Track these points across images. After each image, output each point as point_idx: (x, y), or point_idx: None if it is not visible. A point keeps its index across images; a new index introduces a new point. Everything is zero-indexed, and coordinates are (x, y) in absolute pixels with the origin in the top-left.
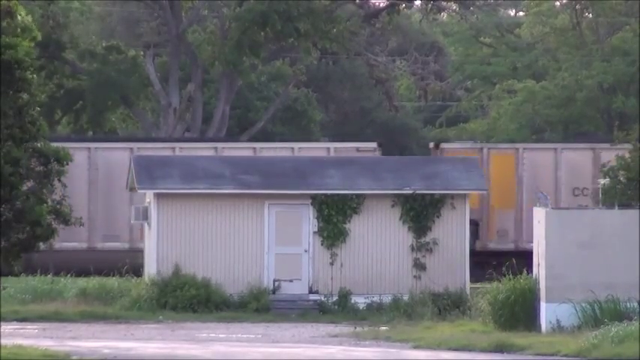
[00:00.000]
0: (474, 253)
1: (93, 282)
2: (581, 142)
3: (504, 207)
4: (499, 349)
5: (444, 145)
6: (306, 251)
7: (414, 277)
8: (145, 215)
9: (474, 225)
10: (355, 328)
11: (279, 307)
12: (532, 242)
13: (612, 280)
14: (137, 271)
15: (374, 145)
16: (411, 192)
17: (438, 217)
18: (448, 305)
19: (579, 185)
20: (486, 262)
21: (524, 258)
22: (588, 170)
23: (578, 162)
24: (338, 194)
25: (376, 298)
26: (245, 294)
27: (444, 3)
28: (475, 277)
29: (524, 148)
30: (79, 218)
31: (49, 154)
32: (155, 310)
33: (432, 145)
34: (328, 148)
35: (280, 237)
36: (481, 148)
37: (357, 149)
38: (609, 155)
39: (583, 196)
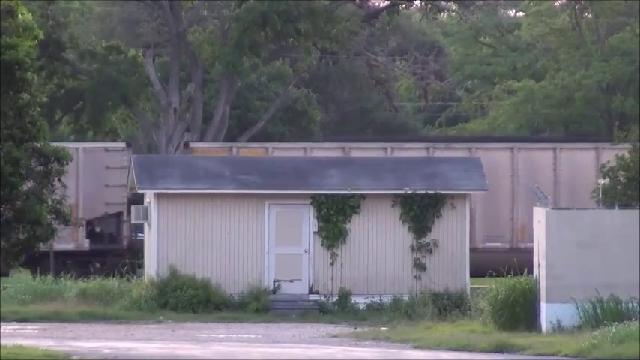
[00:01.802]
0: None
1: (93, 282)
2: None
3: None
4: (499, 349)
5: (193, 145)
6: (306, 251)
7: (414, 277)
8: (145, 215)
9: None
10: (355, 328)
11: (279, 307)
12: None
13: (612, 280)
14: None
15: (122, 145)
16: (411, 192)
17: (438, 217)
18: (448, 305)
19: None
20: None
21: None
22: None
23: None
24: (338, 194)
25: (376, 298)
26: (245, 294)
27: (443, 3)
28: None
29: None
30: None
31: (49, 154)
32: (155, 310)
33: (182, 144)
34: (77, 149)
35: (280, 237)
36: (230, 148)
37: (106, 149)
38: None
39: None
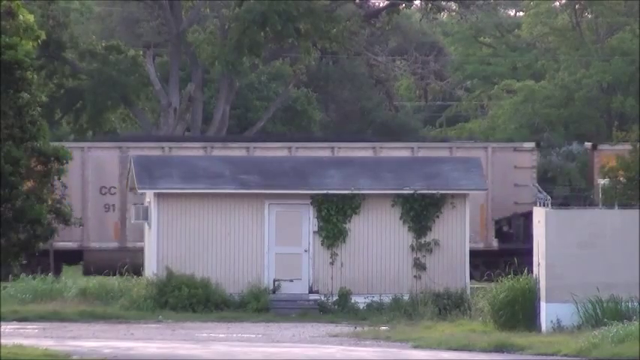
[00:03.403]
0: None
1: (93, 282)
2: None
3: None
4: (499, 348)
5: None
6: (306, 251)
7: (414, 277)
8: (145, 215)
9: None
10: (355, 327)
11: (279, 307)
12: None
13: (612, 280)
14: None
15: (532, 145)
16: (411, 192)
17: (438, 217)
18: (448, 305)
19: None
20: None
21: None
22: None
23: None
24: (338, 194)
25: (376, 298)
26: (245, 294)
27: (443, 3)
28: None
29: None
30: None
31: (49, 154)
32: (155, 310)
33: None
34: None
35: (280, 237)
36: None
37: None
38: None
39: (110, 195)
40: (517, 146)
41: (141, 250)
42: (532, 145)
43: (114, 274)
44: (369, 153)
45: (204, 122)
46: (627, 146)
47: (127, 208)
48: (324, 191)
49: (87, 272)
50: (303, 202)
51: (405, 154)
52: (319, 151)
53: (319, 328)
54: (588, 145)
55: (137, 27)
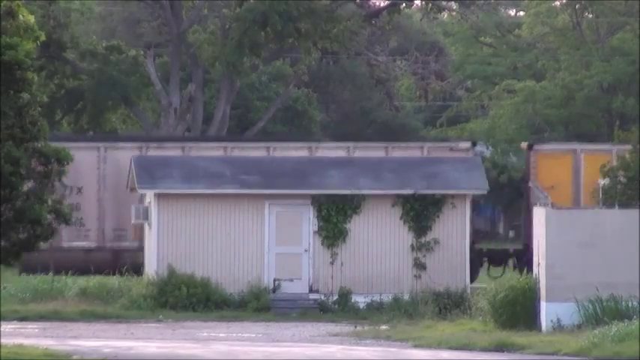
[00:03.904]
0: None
1: (93, 281)
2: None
3: None
4: (499, 348)
5: None
6: (306, 251)
7: (415, 276)
8: (145, 215)
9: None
10: (355, 327)
11: (279, 307)
12: None
13: (612, 280)
14: None
15: None
16: (411, 192)
17: (438, 217)
18: (448, 304)
19: None
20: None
21: None
22: None
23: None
24: (338, 194)
25: (376, 298)
26: (245, 293)
27: (444, 3)
28: None
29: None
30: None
31: (49, 154)
32: (155, 310)
33: None
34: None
35: (280, 236)
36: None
37: None
38: None
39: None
40: (453, 146)
41: None
42: (468, 144)
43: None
44: (304, 152)
45: (204, 122)
46: (564, 146)
47: None
48: (325, 191)
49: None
50: (304, 202)
51: (341, 153)
52: (255, 151)
53: (319, 327)
54: (524, 144)
55: (138, 27)
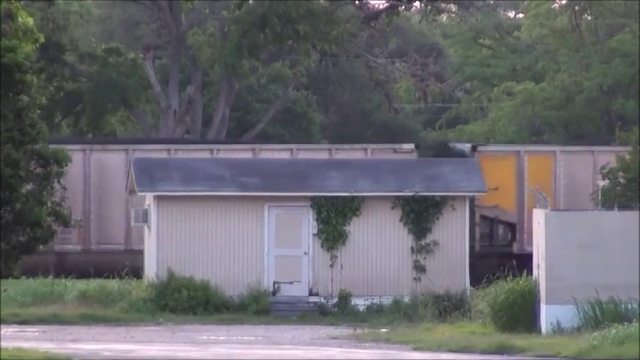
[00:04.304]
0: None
1: (93, 284)
2: None
3: None
4: (499, 350)
5: None
6: (305, 253)
7: (414, 278)
8: (144, 218)
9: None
10: (355, 330)
11: (279, 309)
12: None
13: (612, 282)
14: None
15: None
16: (411, 194)
17: (438, 218)
18: (448, 307)
19: None
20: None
21: None
22: None
23: None
24: (338, 196)
25: (376, 300)
26: (245, 296)
27: (443, 4)
28: None
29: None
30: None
31: (48, 156)
32: (155, 313)
33: None
34: None
35: (280, 239)
36: None
37: None
38: None
39: None
40: (397, 147)
41: None
42: (412, 146)
43: None
44: (248, 155)
45: (203, 124)
46: (507, 148)
47: None
48: (324, 193)
49: None
50: (303, 204)
51: (285, 155)
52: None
53: (319, 330)
54: (468, 146)
55: (137, 29)
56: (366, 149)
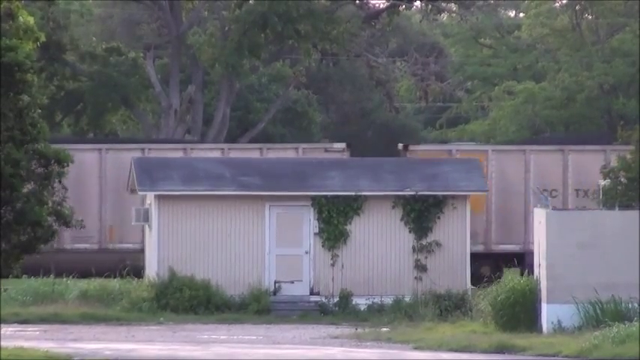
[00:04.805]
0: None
1: (94, 284)
2: None
3: None
4: (500, 349)
5: None
6: (306, 252)
7: (415, 278)
8: (145, 217)
9: None
10: (356, 329)
11: (279, 309)
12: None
13: (613, 281)
14: None
15: None
16: (412, 193)
17: (439, 218)
18: (449, 306)
19: None
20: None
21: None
22: None
23: None
24: (339, 195)
25: (377, 300)
26: (246, 295)
27: (443, 4)
28: None
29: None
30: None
31: (49, 156)
32: (156, 312)
33: None
34: None
35: (281, 238)
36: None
37: None
38: None
39: None
40: (328, 147)
41: None
42: (343, 145)
43: None
44: (180, 154)
45: (204, 124)
46: (439, 147)
47: None
48: (325, 193)
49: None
50: (304, 203)
51: (216, 154)
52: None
53: (320, 329)
54: (400, 145)
55: (137, 29)
56: (297, 148)
